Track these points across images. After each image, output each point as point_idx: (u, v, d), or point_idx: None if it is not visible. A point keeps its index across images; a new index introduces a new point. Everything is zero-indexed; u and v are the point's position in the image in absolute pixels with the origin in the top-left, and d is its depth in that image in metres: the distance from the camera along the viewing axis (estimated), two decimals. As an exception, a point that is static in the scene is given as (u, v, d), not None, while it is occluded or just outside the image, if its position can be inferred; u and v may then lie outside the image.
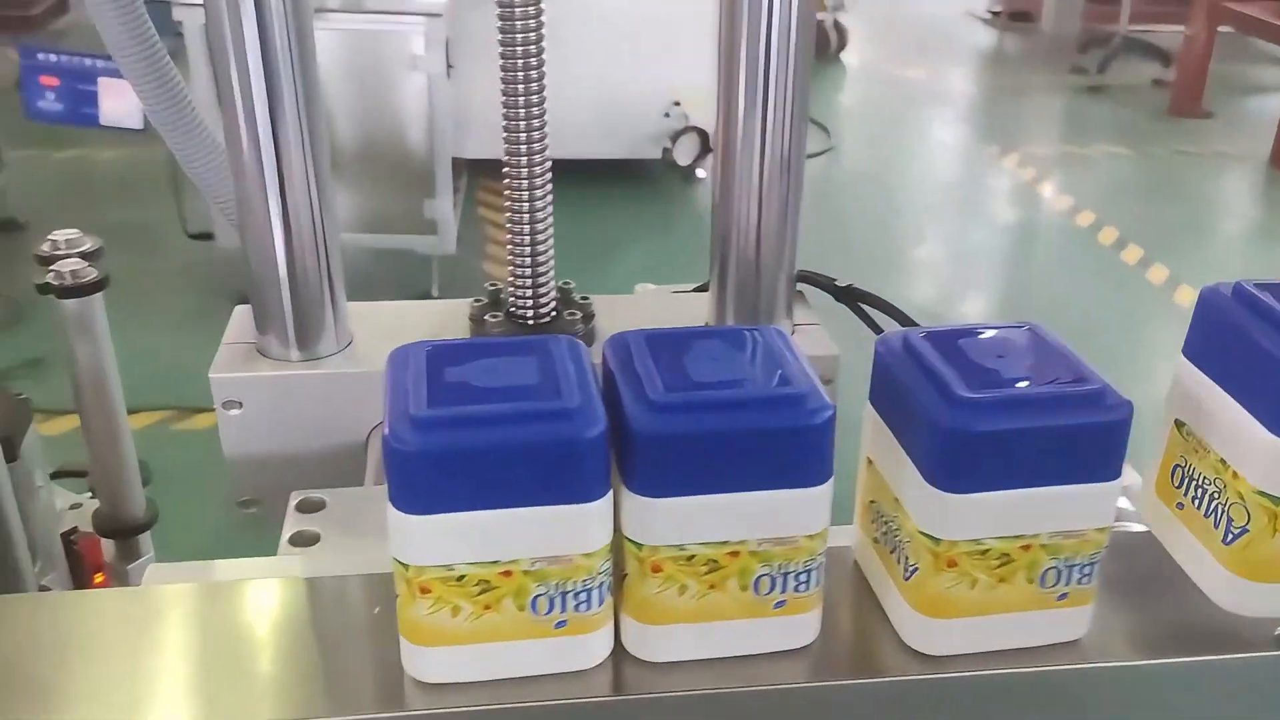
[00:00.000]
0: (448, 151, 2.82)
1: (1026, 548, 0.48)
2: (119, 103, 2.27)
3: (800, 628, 0.49)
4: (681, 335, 0.50)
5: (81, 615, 0.51)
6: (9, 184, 3.09)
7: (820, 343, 0.78)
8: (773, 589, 0.48)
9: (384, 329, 0.76)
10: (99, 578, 0.81)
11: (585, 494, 0.44)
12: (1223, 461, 0.50)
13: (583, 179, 2.96)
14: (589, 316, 0.79)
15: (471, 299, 0.80)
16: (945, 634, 0.49)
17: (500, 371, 0.46)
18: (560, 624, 0.46)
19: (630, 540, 0.46)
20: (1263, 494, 0.48)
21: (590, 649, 0.48)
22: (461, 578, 0.45)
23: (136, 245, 2.84)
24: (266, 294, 0.73)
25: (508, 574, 0.45)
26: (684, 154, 3.38)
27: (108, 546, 0.83)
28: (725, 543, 0.46)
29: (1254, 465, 0.49)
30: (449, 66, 2.73)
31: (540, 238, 0.75)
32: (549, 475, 0.44)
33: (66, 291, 0.75)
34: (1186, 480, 0.53)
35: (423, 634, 0.46)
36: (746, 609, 0.48)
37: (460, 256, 2.91)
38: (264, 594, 0.53)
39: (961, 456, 0.46)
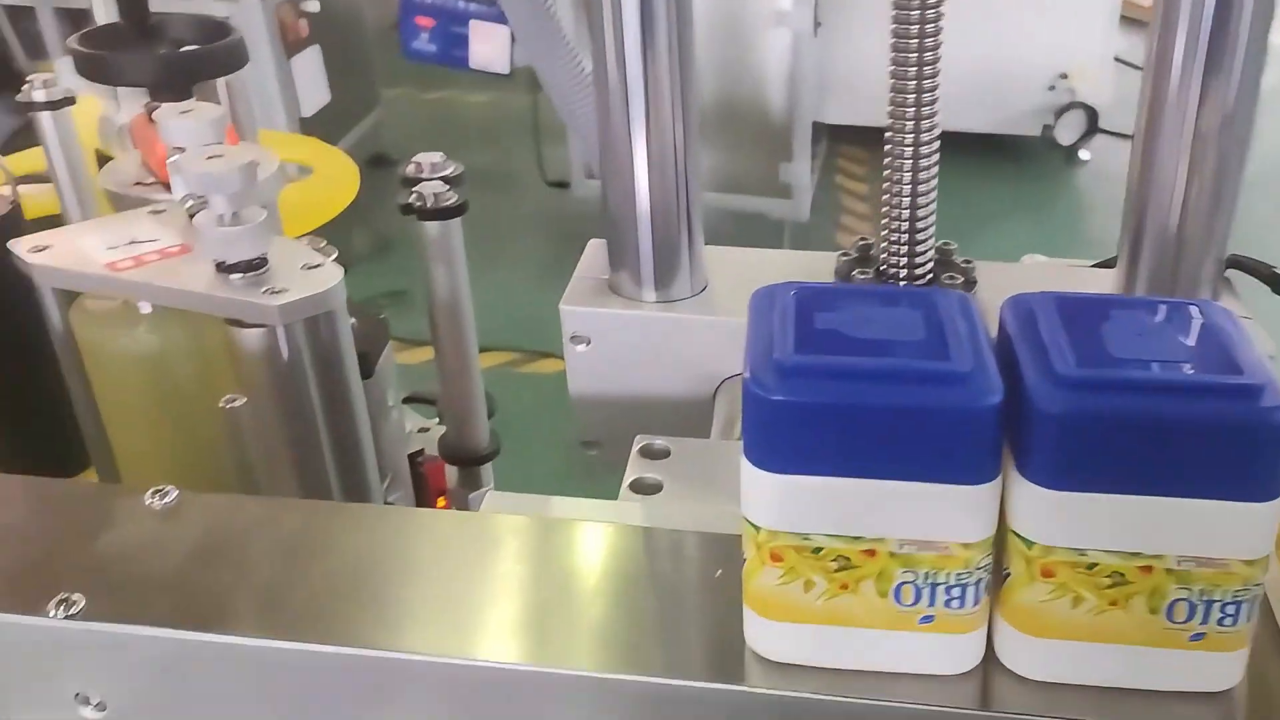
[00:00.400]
0: (809, 114, 2.77)
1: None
2: (488, 47, 2.40)
3: (1219, 669, 0.42)
4: (1100, 302, 0.43)
5: (422, 532, 0.51)
6: (382, 121, 3.35)
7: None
8: (1191, 617, 0.40)
9: (742, 277, 0.73)
10: (441, 502, 0.84)
11: (974, 474, 0.39)
12: None
13: (952, 153, 2.83)
14: (970, 283, 0.72)
15: (838, 252, 0.76)
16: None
17: (879, 323, 0.41)
18: (926, 619, 0.41)
19: (1018, 535, 0.40)
20: None
21: (958, 653, 0.42)
22: (818, 550, 0.41)
23: (494, 189, 3.00)
24: (623, 230, 0.72)
25: (871, 553, 0.40)
26: (1067, 132, 3.14)
27: (451, 473, 0.85)
28: (1137, 554, 0.39)
29: None
30: (816, 24, 2.68)
31: (922, 188, 0.69)
32: (933, 447, 0.38)
33: (427, 214, 0.77)
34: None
35: (769, 605, 0.42)
36: (1153, 635, 0.40)
37: (813, 223, 2.86)
38: (602, 537, 0.51)
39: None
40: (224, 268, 0.62)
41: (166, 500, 0.51)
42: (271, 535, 0.50)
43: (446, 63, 2.41)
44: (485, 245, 0.78)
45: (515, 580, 0.48)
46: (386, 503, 0.77)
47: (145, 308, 0.68)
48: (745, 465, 0.40)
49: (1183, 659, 0.41)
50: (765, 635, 0.43)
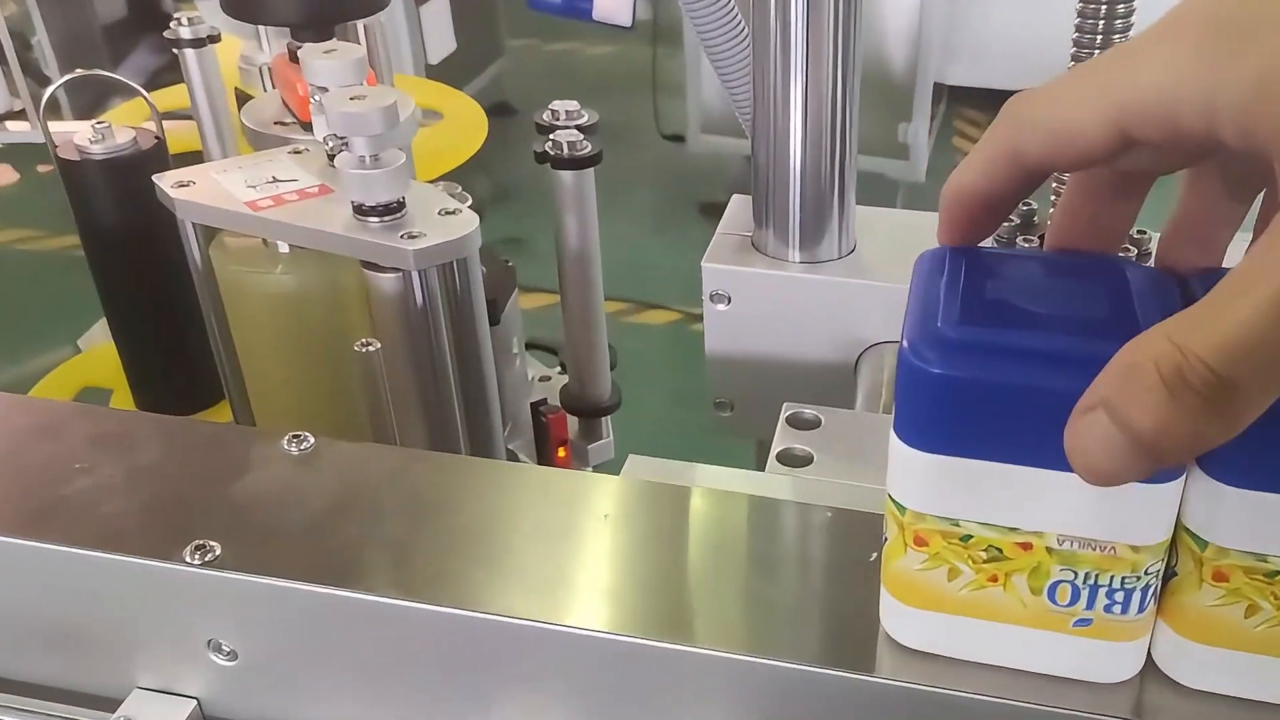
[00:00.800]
0: (931, 74, 2.70)
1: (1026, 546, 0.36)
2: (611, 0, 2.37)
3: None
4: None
5: (557, 493, 0.50)
6: (506, 70, 3.36)
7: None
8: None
9: (892, 239, 0.71)
10: (562, 452, 0.84)
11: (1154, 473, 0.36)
12: None
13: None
14: (1144, 255, 0.68)
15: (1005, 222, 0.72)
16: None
17: (1059, 296, 0.38)
18: (1082, 622, 0.39)
19: (1190, 534, 0.37)
20: None
21: (1115, 661, 0.39)
22: (968, 538, 0.39)
23: (610, 140, 2.98)
24: (772, 188, 0.70)
25: (1027, 546, 0.38)
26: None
27: (572, 423, 0.85)
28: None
29: None
30: (947, -18, 2.60)
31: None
32: None
33: (563, 162, 0.76)
34: None
35: (910, 591, 0.40)
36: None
37: (929, 185, 2.79)
38: (749, 510, 0.49)
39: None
40: (362, 210, 0.62)
41: (304, 447, 0.51)
42: (405, 488, 0.50)
43: (570, 14, 2.40)
44: (598, 195, 0.76)
45: (649, 550, 0.47)
46: (508, 451, 0.77)
47: (283, 247, 0.68)
48: (894, 441, 0.38)
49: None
50: (902, 622, 0.41)
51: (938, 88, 2.82)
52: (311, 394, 0.71)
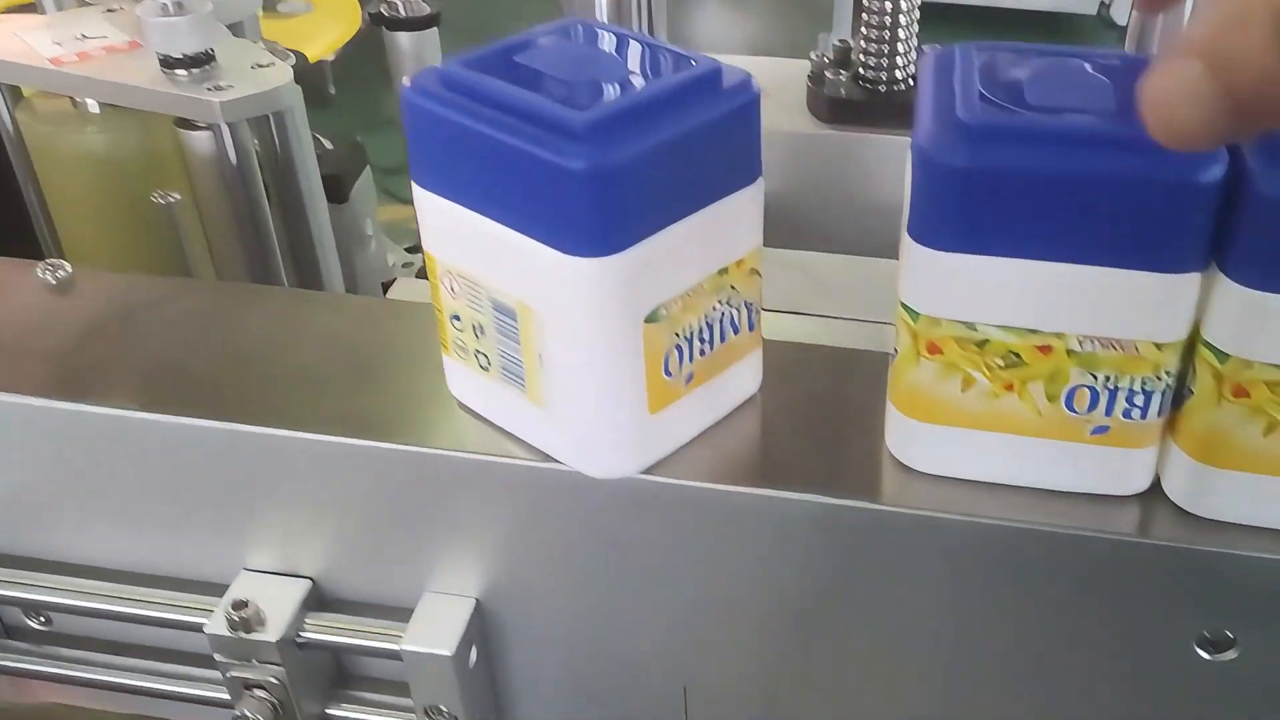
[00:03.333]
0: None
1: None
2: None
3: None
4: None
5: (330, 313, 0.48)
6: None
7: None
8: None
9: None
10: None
11: (1178, 261, 0.33)
12: None
13: (1006, 30, 2.73)
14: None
15: (811, 53, 0.72)
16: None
17: (1078, 87, 0.35)
18: (1099, 430, 0.36)
19: (1211, 347, 0.35)
20: None
21: (1128, 470, 0.37)
22: (984, 343, 0.36)
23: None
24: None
25: (1046, 349, 0.35)
26: (1123, 12, 3.01)
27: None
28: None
29: None
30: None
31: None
32: (1134, 226, 0.33)
33: (396, 24, 0.72)
34: None
35: (920, 406, 0.38)
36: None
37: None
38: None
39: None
40: (168, 63, 0.58)
41: (60, 275, 0.49)
42: (169, 312, 0.48)
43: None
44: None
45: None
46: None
47: (94, 107, 0.64)
48: (908, 243, 0.35)
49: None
50: (910, 441, 0.39)
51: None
52: (130, 253, 0.67)
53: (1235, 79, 0.25)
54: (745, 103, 0.36)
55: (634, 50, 0.37)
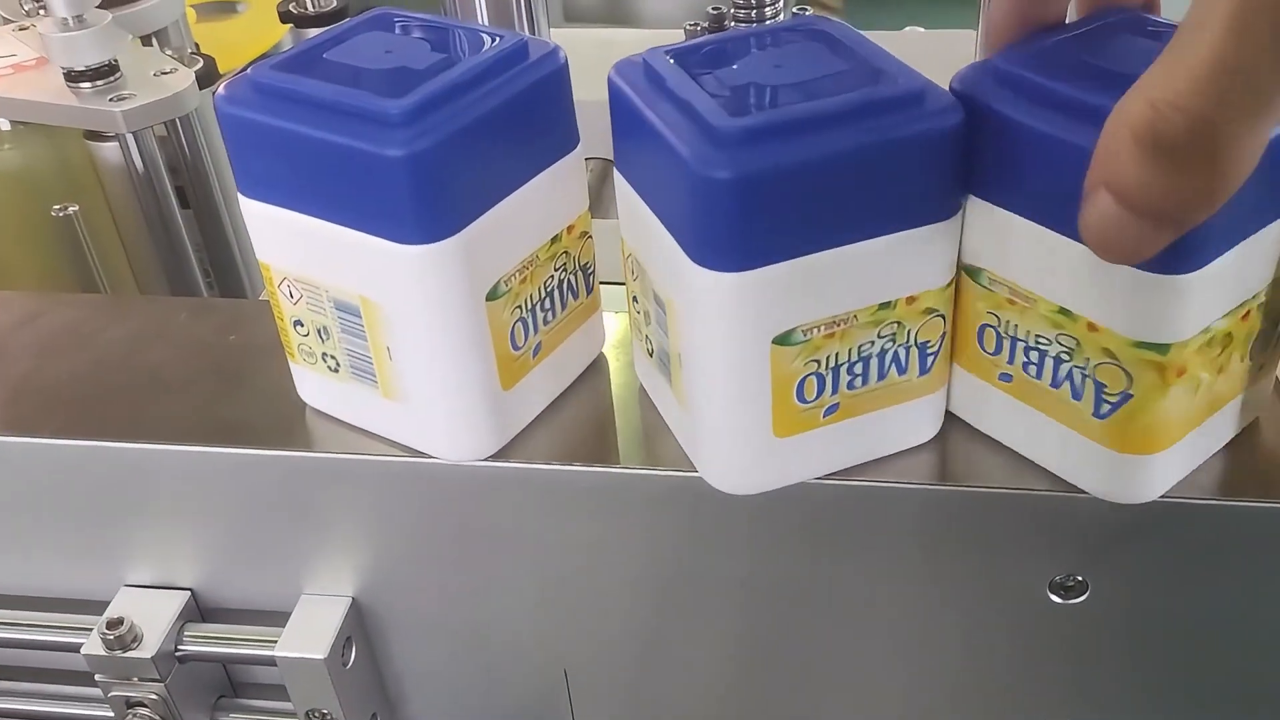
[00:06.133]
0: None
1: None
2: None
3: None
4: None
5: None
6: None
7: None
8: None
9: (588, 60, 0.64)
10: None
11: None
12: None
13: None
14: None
15: (686, 23, 0.71)
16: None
17: (790, 63, 0.34)
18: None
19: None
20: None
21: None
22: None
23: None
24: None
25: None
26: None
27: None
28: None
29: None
30: None
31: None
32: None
33: (306, 20, 0.71)
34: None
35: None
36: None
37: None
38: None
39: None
40: (72, 76, 0.58)
41: None
42: (39, 329, 0.48)
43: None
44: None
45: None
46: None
47: (4, 125, 0.65)
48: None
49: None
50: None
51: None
52: (53, 276, 0.67)
53: (1131, 199, 0.27)
54: (553, 71, 0.36)
55: (443, 35, 0.38)
